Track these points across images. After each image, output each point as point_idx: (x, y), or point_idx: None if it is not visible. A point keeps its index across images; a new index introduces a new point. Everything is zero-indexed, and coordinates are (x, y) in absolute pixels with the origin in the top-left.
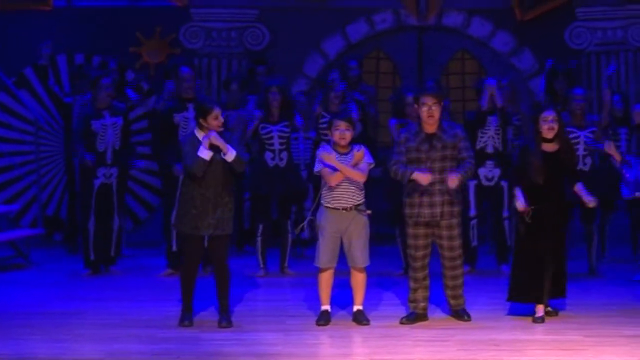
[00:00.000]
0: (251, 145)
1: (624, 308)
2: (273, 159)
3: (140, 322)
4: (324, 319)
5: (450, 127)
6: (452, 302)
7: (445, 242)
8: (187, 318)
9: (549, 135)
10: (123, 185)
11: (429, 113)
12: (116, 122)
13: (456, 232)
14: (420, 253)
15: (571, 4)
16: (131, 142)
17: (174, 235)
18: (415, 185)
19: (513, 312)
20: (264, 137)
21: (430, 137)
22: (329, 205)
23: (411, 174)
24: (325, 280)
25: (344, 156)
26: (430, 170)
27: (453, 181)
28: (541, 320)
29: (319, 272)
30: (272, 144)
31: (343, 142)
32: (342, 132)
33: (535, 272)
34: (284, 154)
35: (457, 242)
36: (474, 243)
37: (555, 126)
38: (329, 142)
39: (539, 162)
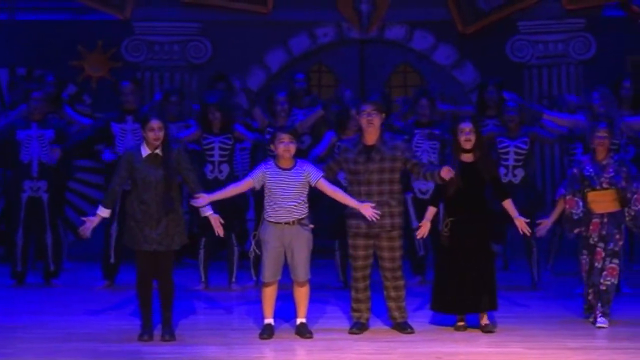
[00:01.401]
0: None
1: (566, 321)
2: (212, 171)
3: (82, 335)
4: (267, 332)
5: (391, 139)
6: (395, 313)
7: (386, 253)
8: (146, 333)
9: (467, 146)
10: (56, 199)
11: (369, 121)
12: (43, 134)
13: (397, 243)
14: (360, 263)
15: (513, 17)
16: (70, 158)
17: (112, 247)
18: (353, 196)
19: (435, 321)
20: (205, 147)
21: (368, 149)
22: (271, 219)
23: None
24: (269, 294)
25: (287, 171)
26: (368, 183)
27: (447, 172)
28: (463, 329)
29: (263, 286)
30: (212, 155)
31: (287, 155)
32: (287, 145)
33: (454, 283)
34: (224, 167)
35: (398, 253)
36: (421, 253)
37: (472, 137)
38: (273, 156)
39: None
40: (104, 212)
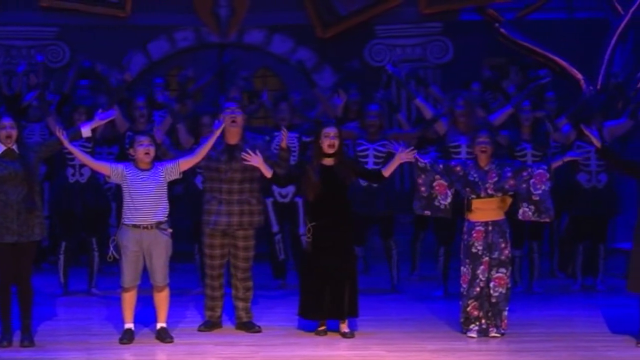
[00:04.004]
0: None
1: (425, 323)
2: (74, 174)
3: None
4: (127, 337)
5: (252, 138)
6: (242, 313)
7: (241, 252)
8: (5, 339)
9: (330, 150)
10: None
11: (232, 118)
12: None
13: (252, 242)
14: (217, 262)
15: (371, 21)
16: None
17: None
18: (214, 194)
19: (303, 327)
20: (65, 151)
21: (231, 148)
22: (130, 222)
23: None
24: (129, 299)
25: (146, 172)
26: (230, 181)
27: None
28: (323, 333)
29: (123, 291)
30: (72, 159)
31: (147, 159)
32: (147, 147)
33: (319, 289)
34: (85, 170)
35: (251, 253)
36: (282, 257)
37: (336, 142)
38: (133, 160)
39: (314, 178)
40: None
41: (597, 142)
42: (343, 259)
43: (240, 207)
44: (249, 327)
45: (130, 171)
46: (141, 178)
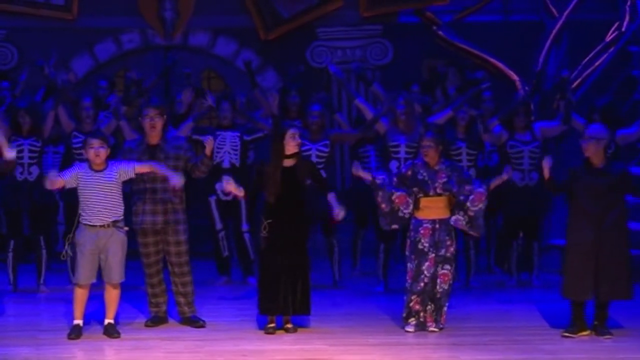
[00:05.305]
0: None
1: (367, 318)
2: (22, 173)
3: None
4: (75, 332)
5: (174, 138)
6: (185, 308)
7: (172, 248)
8: None
9: (293, 150)
10: None
11: (151, 124)
12: None
13: (183, 238)
14: (152, 260)
15: (312, 23)
16: None
17: None
18: (140, 194)
19: (261, 323)
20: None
21: (152, 149)
22: (87, 222)
23: None
24: (81, 296)
25: (100, 173)
26: (153, 181)
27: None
28: (272, 330)
29: (76, 287)
30: (21, 158)
31: (98, 160)
32: (97, 150)
33: (275, 285)
34: (34, 168)
35: (184, 248)
36: (225, 253)
37: (299, 143)
38: (83, 160)
39: (276, 178)
40: None
41: (547, 174)
42: (297, 256)
43: (164, 205)
44: (193, 321)
45: (85, 172)
46: (95, 179)
